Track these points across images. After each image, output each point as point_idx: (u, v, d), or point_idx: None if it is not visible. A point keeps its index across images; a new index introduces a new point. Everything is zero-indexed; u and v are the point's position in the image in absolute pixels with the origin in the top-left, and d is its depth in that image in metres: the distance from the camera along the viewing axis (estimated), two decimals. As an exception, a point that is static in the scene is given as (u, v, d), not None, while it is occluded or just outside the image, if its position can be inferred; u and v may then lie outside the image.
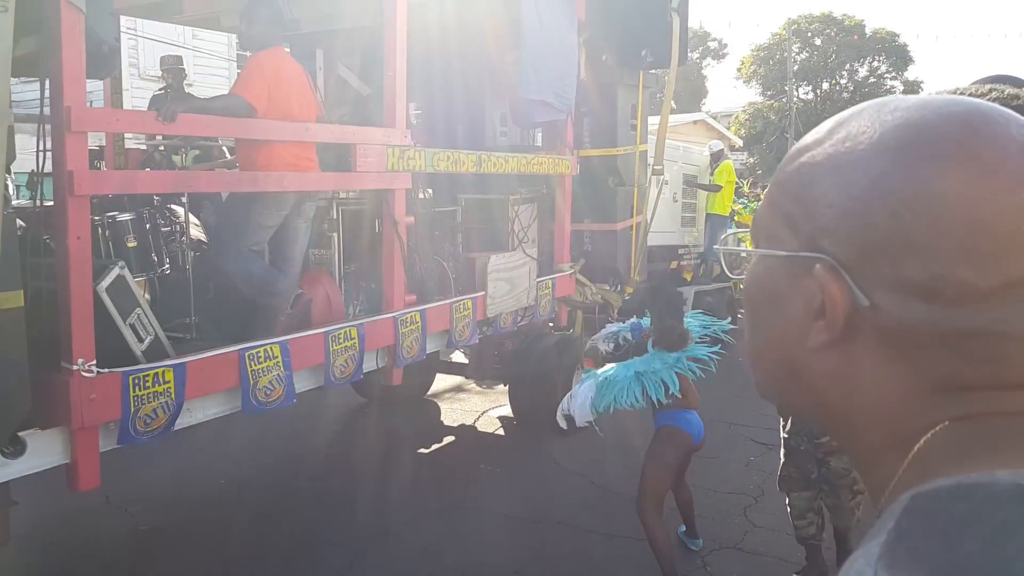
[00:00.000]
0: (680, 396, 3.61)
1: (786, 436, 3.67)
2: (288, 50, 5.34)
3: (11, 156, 2.46)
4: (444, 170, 4.78)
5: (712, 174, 9.81)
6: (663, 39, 6.03)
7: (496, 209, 5.91)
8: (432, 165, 4.60)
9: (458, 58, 5.81)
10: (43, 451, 3.00)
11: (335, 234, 4.52)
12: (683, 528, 4.26)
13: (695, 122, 32.73)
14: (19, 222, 3.21)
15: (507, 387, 6.11)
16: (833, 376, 0.53)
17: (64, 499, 3.16)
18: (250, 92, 3.66)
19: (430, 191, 5.32)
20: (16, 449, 2.92)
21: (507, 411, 6.25)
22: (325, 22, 5.67)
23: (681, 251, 9.14)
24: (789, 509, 3.71)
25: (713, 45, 47.77)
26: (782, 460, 3.73)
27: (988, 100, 0.60)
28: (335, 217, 4.52)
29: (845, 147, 0.52)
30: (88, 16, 2.48)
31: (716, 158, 9.82)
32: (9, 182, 4.39)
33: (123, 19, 5.30)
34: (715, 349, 3.76)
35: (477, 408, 6.77)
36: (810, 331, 0.53)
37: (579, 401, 3.68)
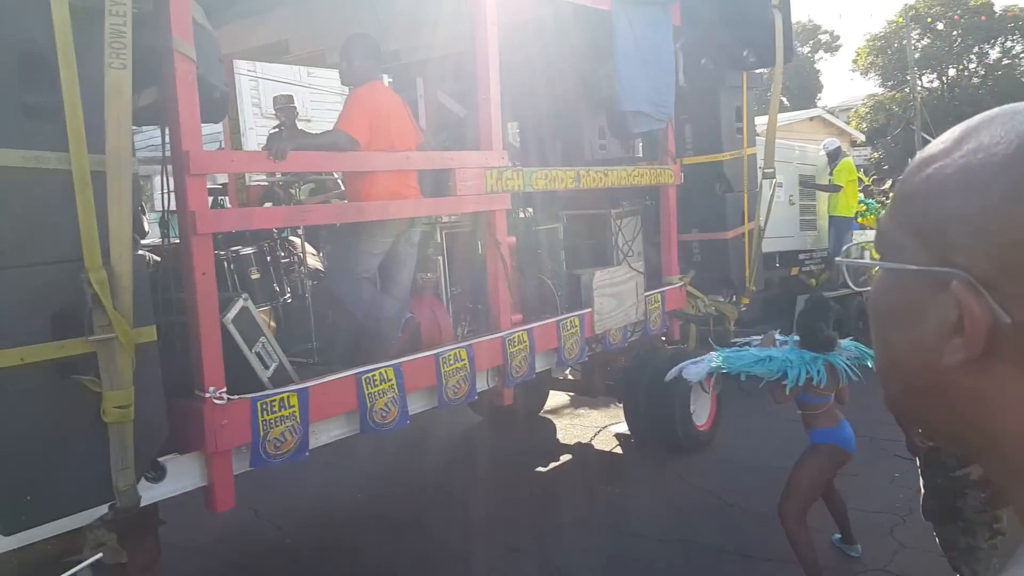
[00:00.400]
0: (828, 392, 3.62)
1: (921, 469, 3.43)
2: (390, 81, 5.54)
3: (138, 199, 2.67)
4: (542, 188, 4.81)
5: (831, 173, 9.38)
6: (765, 37, 5.85)
7: (598, 224, 5.88)
8: (530, 184, 4.63)
9: (553, 74, 5.85)
10: (182, 475, 3.20)
11: (440, 257, 4.63)
12: (838, 536, 4.12)
13: (811, 119, 31.45)
14: (152, 259, 3.47)
15: (622, 404, 6.03)
16: (973, 396, 0.51)
17: (218, 514, 3.40)
18: (352, 126, 3.82)
19: (530, 210, 5.36)
20: (158, 474, 3.13)
21: (624, 428, 6.17)
22: (422, 52, 5.85)
23: (802, 256, 8.74)
24: (937, 539, 3.46)
25: (824, 38, 46.03)
26: (922, 492, 3.49)
27: None
28: (439, 241, 4.63)
29: (978, 159, 0.50)
30: (199, 65, 2.67)
31: (834, 156, 9.38)
32: (145, 221, 4.77)
33: (242, 62, 5.66)
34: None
35: (593, 425, 6.72)
36: (946, 348, 0.51)
37: (700, 366, 3.74)
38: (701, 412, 5.82)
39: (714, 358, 3.78)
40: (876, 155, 33.04)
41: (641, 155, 6.46)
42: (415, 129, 4.28)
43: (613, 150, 6.15)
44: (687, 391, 5.57)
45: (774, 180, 6.23)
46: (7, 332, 2.26)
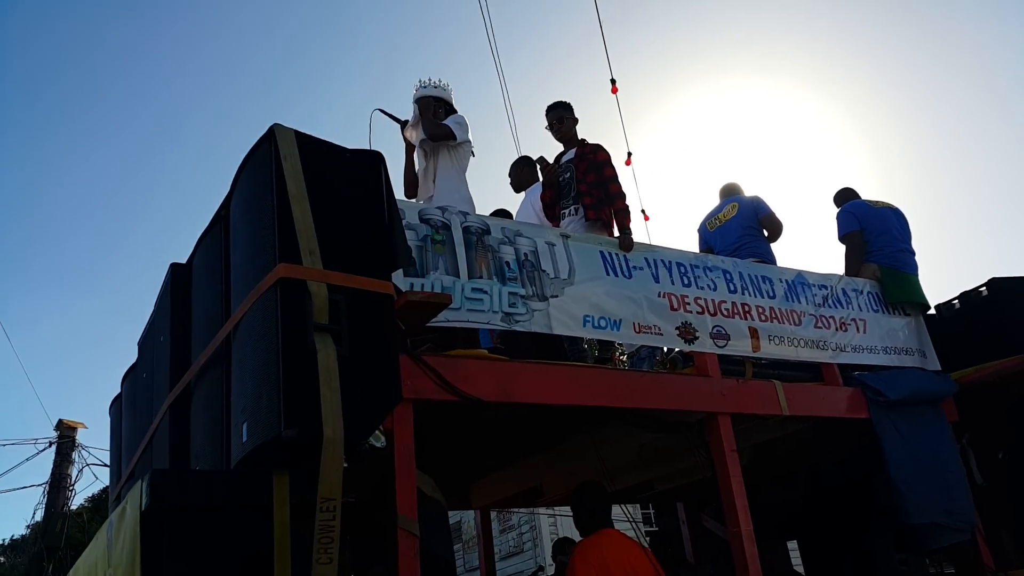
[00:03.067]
0: None
1: None
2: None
3: None
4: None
5: None
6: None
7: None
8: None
9: (830, 488, 5.38)
10: None
11: None
12: None
13: None
14: None
15: None
16: None
17: None
18: None
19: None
20: None
21: None
22: (677, 477, 5.76)
23: None
24: None
25: None
26: None
27: None
28: None
29: None
30: (423, 538, 2.78)
31: None
32: None
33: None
34: None
35: None
36: None
37: None
38: None
39: None
40: None
41: (953, 570, 5.41)
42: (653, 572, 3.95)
43: (916, 565, 5.26)
44: None
45: None
46: None
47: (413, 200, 4.65)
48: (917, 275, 5.35)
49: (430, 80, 5.05)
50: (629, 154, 7.57)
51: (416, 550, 2.75)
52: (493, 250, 3.86)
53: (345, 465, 2.31)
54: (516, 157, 6.05)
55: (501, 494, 6.08)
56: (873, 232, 5.42)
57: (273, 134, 2.67)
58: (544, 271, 3.97)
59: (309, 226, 2.54)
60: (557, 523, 13.47)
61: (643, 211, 7.52)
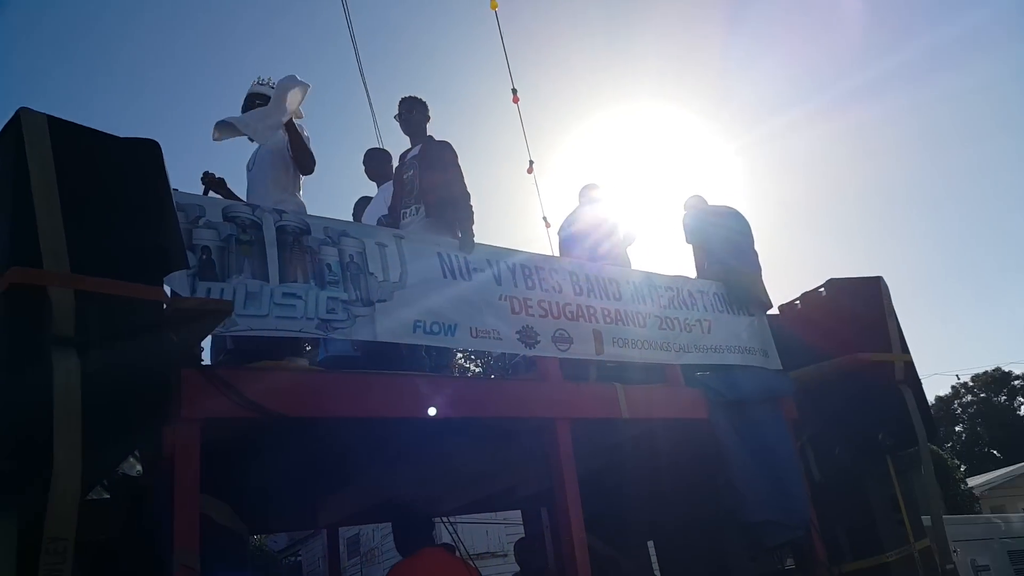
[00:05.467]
0: None
1: None
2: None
3: None
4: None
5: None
6: (899, 415, 5.24)
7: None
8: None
9: (682, 491, 5.40)
10: None
11: None
12: None
13: (1029, 472, 27.67)
14: None
15: None
16: None
17: None
18: None
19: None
20: None
21: None
22: (536, 483, 5.65)
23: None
24: None
25: (1019, 384, 43.09)
26: None
27: None
28: None
29: None
30: (211, 571, 2.51)
31: (1052, 528, 7.81)
32: None
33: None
34: None
35: None
36: None
37: None
38: None
39: None
40: None
41: (793, 566, 5.53)
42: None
43: (765, 562, 5.34)
44: None
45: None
46: None
47: (219, 197, 4.31)
48: (760, 275, 5.44)
49: (269, 80, 4.85)
50: (531, 162, 7.60)
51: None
52: (313, 251, 3.59)
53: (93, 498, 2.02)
54: (370, 148, 5.80)
55: (350, 510, 5.79)
56: (718, 235, 5.49)
57: (19, 119, 2.33)
58: (372, 274, 3.73)
59: (56, 224, 2.22)
60: (458, 531, 13.16)
61: (544, 218, 7.52)
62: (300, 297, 3.45)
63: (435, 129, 5.02)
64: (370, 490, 5.39)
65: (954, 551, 6.73)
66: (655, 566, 6.23)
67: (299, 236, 3.58)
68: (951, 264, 73.80)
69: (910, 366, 5.43)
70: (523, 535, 6.98)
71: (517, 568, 6.66)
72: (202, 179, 4.52)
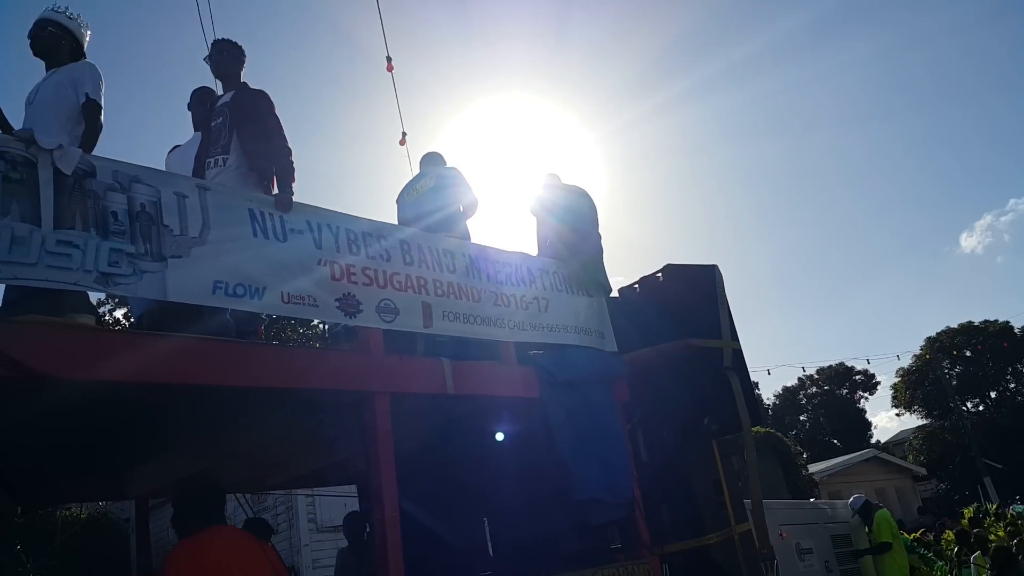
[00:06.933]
0: None
1: None
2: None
3: None
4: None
5: (869, 531, 8.23)
6: (724, 402, 5.37)
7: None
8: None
9: (516, 468, 5.34)
10: None
11: None
12: None
13: (867, 460, 29.91)
14: None
15: None
16: None
17: None
18: None
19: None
20: None
21: None
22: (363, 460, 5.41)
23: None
24: None
25: (859, 379, 46.29)
26: None
27: None
28: None
29: None
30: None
31: (866, 512, 8.32)
32: None
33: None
34: None
35: None
36: None
37: None
38: None
39: None
40: (943, 486, 30.78)
41: (619, 545, 5.59)
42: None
43: (592, 541, 5.36)
44: None
45: (775, 561, 5.25)
46: None
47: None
48: (600, 257, 5.43)
49: (67, 9, 4.27)
50: (404, 134, 7.31)
51: None
52: (97, 196, 3.21)
53: None
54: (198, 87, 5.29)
55: (160, 482, 5.37)
56: (562, 213, 5.43)
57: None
58: (167, 226, 3.38)
59: None
60: (315, 504, 12.67)
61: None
62: (77, 246, 3.07)
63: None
64: (177, 463, 5.01)
65: (781, 535, 7.02)
66: (488, 543, 6.17)
67: (81, 179, 3.19)
68: (804, 262, 79.14)
69: (738, 353, 5.57)
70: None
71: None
72: None
